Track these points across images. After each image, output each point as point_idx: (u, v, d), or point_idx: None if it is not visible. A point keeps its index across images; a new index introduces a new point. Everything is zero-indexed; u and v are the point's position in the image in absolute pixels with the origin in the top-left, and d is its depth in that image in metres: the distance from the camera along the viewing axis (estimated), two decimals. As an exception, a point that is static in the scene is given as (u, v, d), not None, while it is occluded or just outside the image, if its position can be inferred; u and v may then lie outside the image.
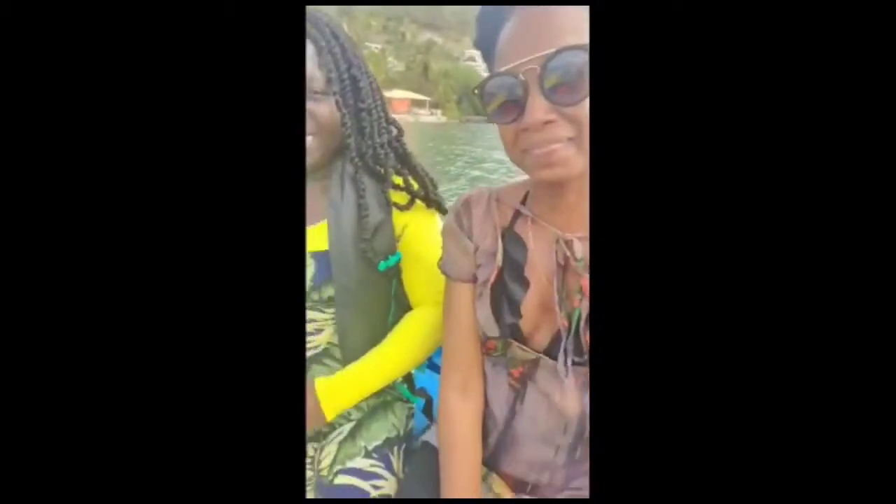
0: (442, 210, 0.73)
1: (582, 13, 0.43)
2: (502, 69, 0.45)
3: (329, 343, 0.72)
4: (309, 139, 0.63)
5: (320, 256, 0.66)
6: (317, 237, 0.66)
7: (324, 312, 0.69)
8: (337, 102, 0.63)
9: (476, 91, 0.47)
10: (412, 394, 0.83)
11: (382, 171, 0.67)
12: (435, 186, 0.73)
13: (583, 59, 0.42)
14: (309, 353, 0.71)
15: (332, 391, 0.65)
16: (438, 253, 0.63)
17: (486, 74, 0.49)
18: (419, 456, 0.71)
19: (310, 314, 0.68)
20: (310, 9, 0.64)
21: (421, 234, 0.70)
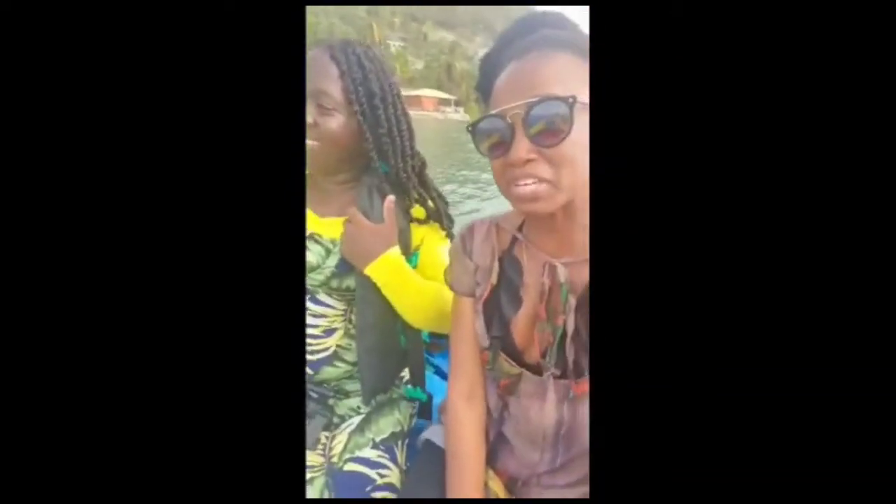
0: (451, 226, 0.83)
1: (569, 64, 0.49)
2: (493, 111, 0.51)
3: (338, 346, 0.79)
4: (313, 144, 0.71)
5: None
6: (338, 227, 0.74)
7: (334, 308, 0.78)
8: (359, 122, 0.71)
9: (469, 128, 0.54)
10: (415, 390, 0.90)
11: (405, 187, 0.76)
12: (447, 205, 0.82)
13: (563, 108, 0.47)
14: (320, 356, 0.79)
15: (392, 262, 0.71)
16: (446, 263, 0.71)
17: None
18: (421, 451, 0.77)
19: (327, 300, 0.77)
20: (346, 38, 0.73)
21: (436, 246, 0.80)
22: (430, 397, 0.92)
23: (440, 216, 0.80)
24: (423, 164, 0.80)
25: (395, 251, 0.72)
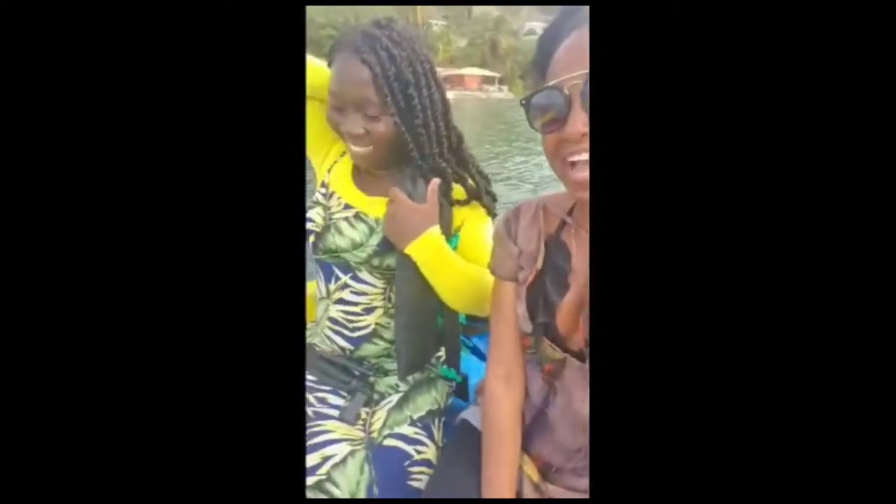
0: (493, 206, 0.82)
1: None
2: (549, 83, 0.48)
3: (377, 323, 0.82)
4: (366, 150, 0.73)
5: None
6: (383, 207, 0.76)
7: (375, 286, 0.80)
8: (396, 123, 0.70)
9: (523, 102, 0.51)
10: (450, 370, 0.91)
11: (443, 172, 0.75)
12: (489, 183, 0.81)
13: None
14: (360, 333, 0.82)
15: (432, 242, 0.71)
16: (490, 245, 0.71)
17: None
18: (458, 430, 0.79)
19: (368, 278, 0.79)
20: (369, 29, 0.70)
21: (477, 228, 0.80)
22: (465, 378, 0.93)
23: (480, 195, 0.79)
24: (460, 140, 0.79)
25: (436, 230, 0.72)
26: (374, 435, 0.79)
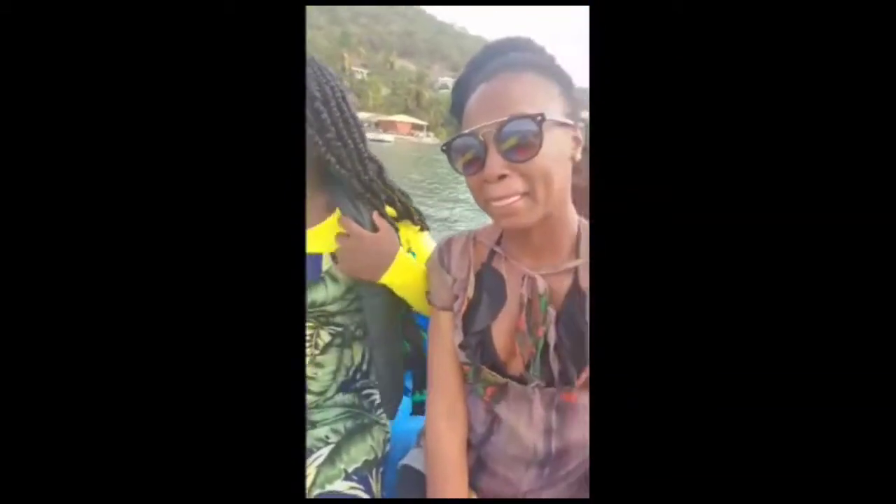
0: (422, 219, 0.82)
1: (536, 84, 0.51)
2: (466, 131, 0.52)
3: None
4: None
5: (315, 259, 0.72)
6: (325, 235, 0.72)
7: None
8: (308, 135, 0.68)
9: (444, 148, 0.55)
10: (423, 394, 0.85)
11: (373, 190, 0.74)
12: (410, 200, 0.81)
13: (532, 126, 0.48)
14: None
15: (405, 263, 0.71)
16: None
17: None
18: (399, 478, 0.72)
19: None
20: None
21: (423, 243, 0.81)
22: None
23: (409, 212, 0.78)
24: (381, 168, 0.78)
25: (403, 251, 0.71)
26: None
